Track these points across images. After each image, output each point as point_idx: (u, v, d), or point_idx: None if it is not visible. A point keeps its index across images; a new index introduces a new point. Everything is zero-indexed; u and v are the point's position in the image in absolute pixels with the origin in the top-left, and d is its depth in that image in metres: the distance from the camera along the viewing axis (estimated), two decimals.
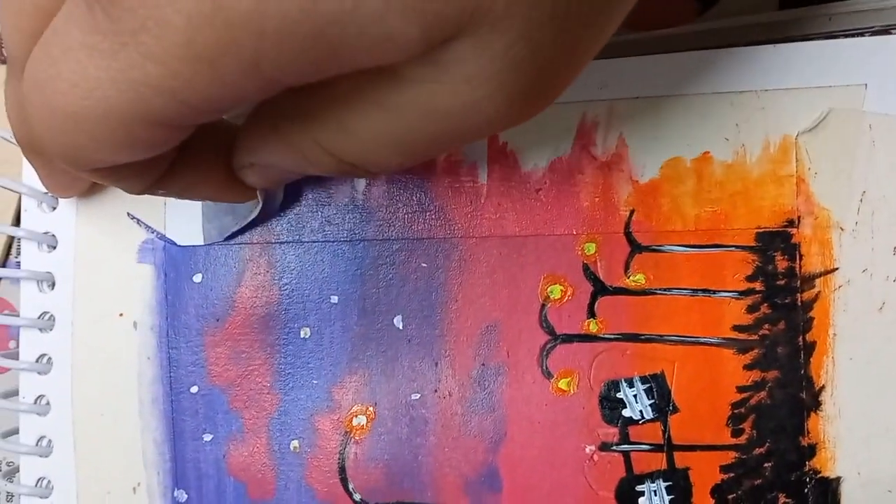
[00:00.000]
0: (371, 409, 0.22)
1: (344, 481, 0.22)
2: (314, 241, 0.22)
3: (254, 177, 0.18)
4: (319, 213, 0.22)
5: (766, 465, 0.20)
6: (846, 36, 0.21)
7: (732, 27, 0.22)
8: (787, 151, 0.20)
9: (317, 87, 0.15)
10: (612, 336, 0.21)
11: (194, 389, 0.23)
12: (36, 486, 0.24)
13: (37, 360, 0.24)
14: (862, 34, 0.21)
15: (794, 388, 0.20)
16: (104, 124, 0.13)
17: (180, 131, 0.14)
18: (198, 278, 0.23)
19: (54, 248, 0.24)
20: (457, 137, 0.15)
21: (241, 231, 0.22)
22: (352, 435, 0.22)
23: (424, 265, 0.22)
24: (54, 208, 0.24)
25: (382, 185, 0.22)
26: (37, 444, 0.24)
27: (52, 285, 0.24)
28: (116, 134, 0.13)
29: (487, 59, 0.13)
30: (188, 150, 0.17)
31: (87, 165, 0.14)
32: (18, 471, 0.25)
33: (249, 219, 0.22)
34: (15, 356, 0.24)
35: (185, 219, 0.23)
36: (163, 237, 0.23)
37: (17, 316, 0.24)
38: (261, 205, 0.21)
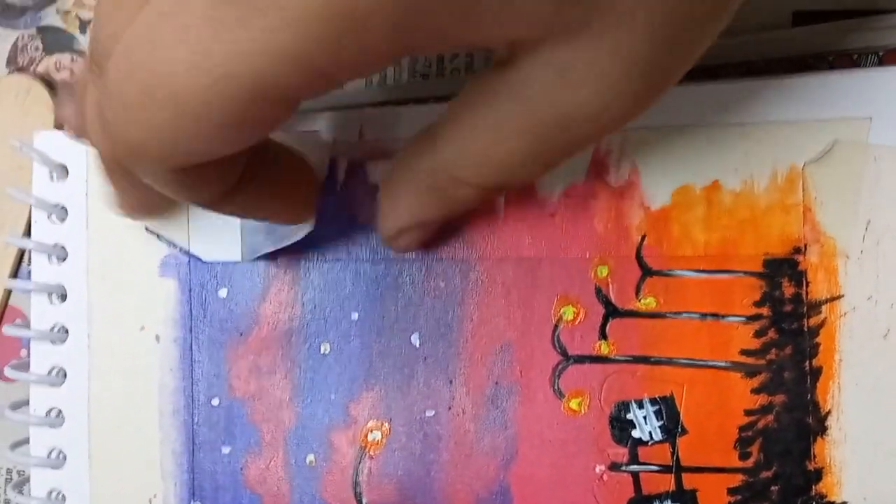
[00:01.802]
0: (386, 424, 0.22)
1: (358, 496, 0.22)
2: (337, 259, 0.23)
3: (407, 241, 0.19)
4: (344, 233, 0.23)
5: (772, 488, 0.21)
6: (859, 55, 0.22)
7: (745, 43, 0.23)
8: (794, 181, 0.21)
9: (446, 130, 0.16)
10: (623, 358, 0.21)
11: (215, 402, 0.23)
12: (48, 497, 0.24)
13: (49, 373, 0.24)
14: (876, 53, 0.22)
15: (801, 413, 0.21)
16: (218, 103, 0.12)
17: (291, 108, 0.13)
18: (223, 293, 0.23)
19: (65, 259, 0.24)
20: (580, 138, 0.15)
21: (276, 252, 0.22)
22: (367, 450, 0.22)
23: (442, 285, 0.22)
24: (64, 220, 0.24)
25: None
26: (48, 456, 0.24)
27: (63, 297, 0.24)
28: (227, 113, 0.12)
29: (607, 58, 0.13)
30: (255, 168, 0.17)
31: (174, 161, 0.14)
32: (28, 481, 0.25)
33: (292, 240, 0.21)
34: (26, 366, 0.25)
35: (209, 234, 0.23)
36: (187, 252, 0.23)
37: (28, 324, 0.25)
38: (310, 229, 0.21)
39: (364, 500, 0.22)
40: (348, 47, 0.11)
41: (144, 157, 0.14)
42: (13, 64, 0.28)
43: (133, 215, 0.22)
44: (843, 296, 0.21)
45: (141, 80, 0.13)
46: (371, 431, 0.22)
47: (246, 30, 0.11)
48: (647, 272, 0.22)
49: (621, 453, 0.21)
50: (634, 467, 0.21)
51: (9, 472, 0.27)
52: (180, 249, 0.24)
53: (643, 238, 0.22)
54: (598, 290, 0.22)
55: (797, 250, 0.21)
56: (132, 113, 0.13)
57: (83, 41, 0.27)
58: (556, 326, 0.22)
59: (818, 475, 0.20)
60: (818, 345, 0.21)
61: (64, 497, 0.24)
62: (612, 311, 0.22)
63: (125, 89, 0.13)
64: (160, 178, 0.15)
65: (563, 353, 0.22)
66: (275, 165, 0.18)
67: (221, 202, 0.17)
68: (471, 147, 0.15)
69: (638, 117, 0.15)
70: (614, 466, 0.21)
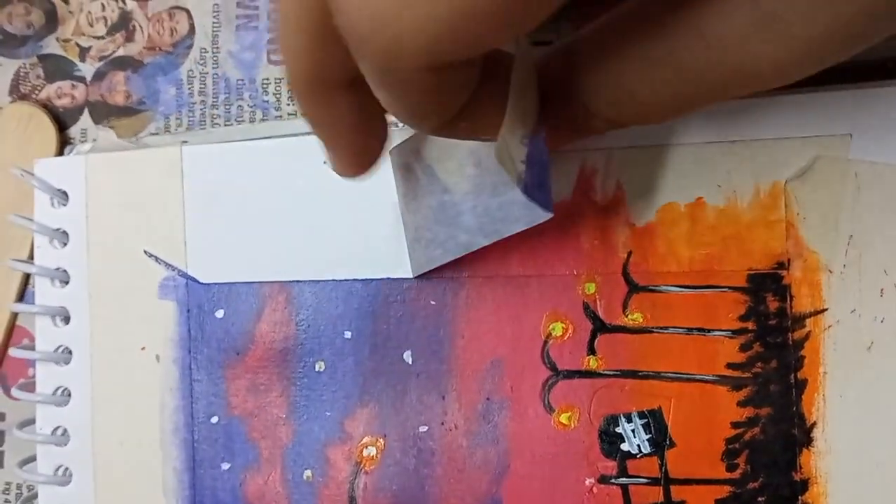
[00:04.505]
0: (381, 440, 0.23)
1: None
2: (330, 280, 0.23)
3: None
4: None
5: (759, 499, 0.21)
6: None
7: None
8: (777, 197, 0.21)
9: (586, 59, 0.14)
10: (612, 372, 0.22)
11: (214, 419, 0.24)
12: None
13: (54, 393, 0.25)
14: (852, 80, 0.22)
15: (787, 425, 0.21)
16: None
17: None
18: (220, 314, 0.24)
19: (66, 283, 0.25)
20: (739, 89, 0.14)
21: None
22: (362, 465, 0.23)
23: (433, 303, 0.23)
24: (65, 245, 0.25)
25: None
26: (55, 473, 0.25)
27: (67, 319, 0.25)
28: None
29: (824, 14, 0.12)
30: (488, 84, 0.15)
31: (434, 55, 0.12)
32: (36, 497, 0.25)
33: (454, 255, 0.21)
34: (33, 385, 0.25)
35: (207, 256, 0.24)
36: (185, 275, 0.24)
37: (35, 345, 0.25)
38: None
39: None
40: None
41: (402, 52, 0.11)
42: (16, 92, 0.29)
43: (346, 173, 0.18)
44: (826, 309, 0.21)
45: None
46: (366, 447, 0.23)
47: None
48: (633, 288, 0.22)
49: (610, 466, 0.22)
50: (624, 480, 0.22)
51: (18, 487, 0.28)
52: (178, 271, 0.24)
53: (629, 255, 0.22)
54: (586, 307, 0.22)
55: (781, 265, 0.21)
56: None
57: (83, 68, 0.28)
58: (545, 342, 0.22)
59: (804, 486, 0.21)
60: (803, 358, 0.21)
61: None
62: (599, 327, 0.22)
63: None
64: (405, 83, 0.13)
65: (553, 368, 0.22)
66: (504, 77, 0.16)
67: (459, 116, 0.15)
68: (615, 80, 0.14)
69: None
70: (604, 479, 0.22)
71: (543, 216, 0.18)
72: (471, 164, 0.19)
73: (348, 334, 0.23)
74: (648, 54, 0.14)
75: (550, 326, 0.22)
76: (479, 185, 0.19)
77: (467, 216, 0.20)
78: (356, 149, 0.17)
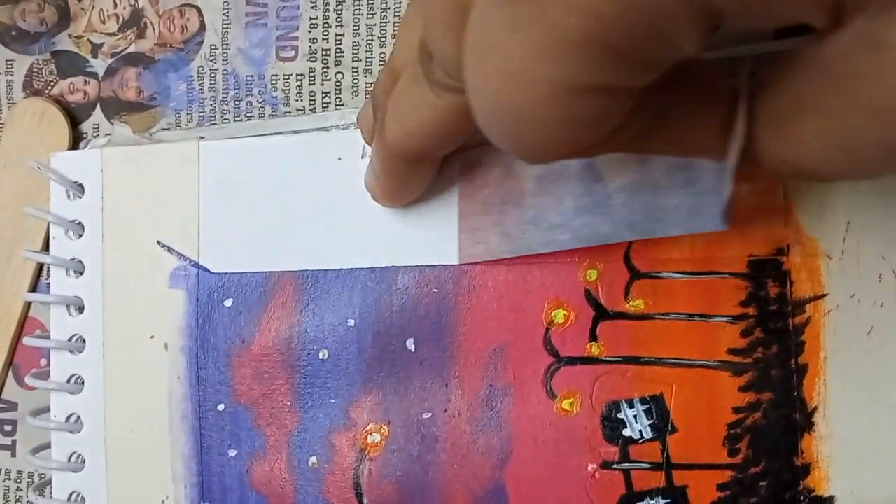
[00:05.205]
0: (385, 427, 0.23)
1: (359, 496, 0.23)
2: (333, 269, 0.24)
3: None
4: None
5: (761, 483, 0.21)
6: None
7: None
8: (775, 185, 0.21)
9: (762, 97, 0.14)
10: (613, 359, 0.22)
11: (221, 407, 0.24)
12: (68, 499, 0.25)
13: (68, 381, 0.26)
14: None
15: (788, 409, 0.21)
16: (538, 108, 0.12)
17: (622, 96, 0.13)
18: (228, 303, 0.24)
19: (81, 273, 0.26)
20: None
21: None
22: (367, 452, 0.23)
23: (435, 291, 0.23)
24: (80, 236, 0.26)
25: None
26: (69, 460, 0.25)
27: (81, 309, 0.25)
28: (551, 114, 0.12)
29: None
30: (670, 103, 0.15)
31: (549, 156, 0.14)
32: (49, 483, 0.26)
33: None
34: (46, 374, 0.26)
35: (219, 247, 0.24)
36: (196, 264, 0.25)
37: (48, 335, 0.26)
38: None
39: (365, 501, 0.23)
40: (642, 23, 0.11)
41: (536, 157, 0.14)
42: (29, 88, 0.29)
43: (388, 204, 0.23)
44: (826, 295, 0.21)
45: (477, 93, 0.13)
46: (370, 434, 0.23)
47: (535, 26, 0.11)
48: (635, 275, 0.22)
49: (612, 452, 0.22)
50: (626, 465, 0.22)
51: (30, 475, 0.28)
52: (190, 261, 0.25)
53: (631, 241, 0.22)
54: (588, 293, 0.22)
55: (780, 251, 0.21)
56: (488, 125, 0.13)
57: (95, 64, 0.29)
58: (547, 329, 0.22)
59: (806, 470, 0.21)
60: (803, 343, 0.21)
61: (83, 499, 0.25)
62: (601, 314, 0.22)
63: (475, 104, 0.13)
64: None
65: (555, 354, 0.22)
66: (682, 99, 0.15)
67: (633, 146, 0.16)
68: (781, 126, 0.14)
69: None
70: (606, 465, 0.22)
71: (716, 228, 0.18)
72: (635, 160, 0.20)
73: (351, 322, 0.23)
74: (801, 100, 0.13)
75: (552, 313, 0.22)
76: (640, 182, 0.20)
77: (618, 209, 0.20)
78: (409, 196, 0.22)
